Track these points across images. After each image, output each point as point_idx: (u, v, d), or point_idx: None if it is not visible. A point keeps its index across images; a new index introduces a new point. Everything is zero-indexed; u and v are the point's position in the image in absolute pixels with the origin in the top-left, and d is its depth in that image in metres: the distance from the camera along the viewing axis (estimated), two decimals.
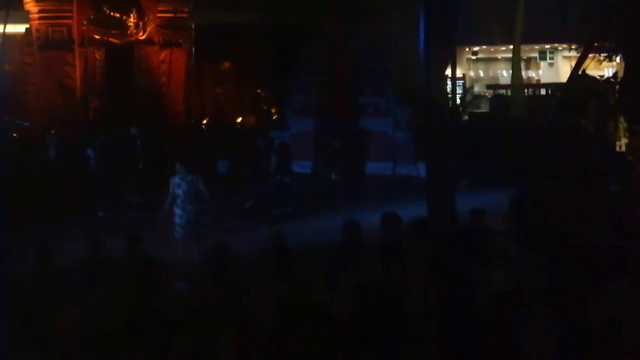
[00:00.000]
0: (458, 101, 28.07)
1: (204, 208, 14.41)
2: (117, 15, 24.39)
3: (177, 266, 12.81)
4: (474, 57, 33.41)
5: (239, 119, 28.46)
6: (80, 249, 10.16)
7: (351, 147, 21.44)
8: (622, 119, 23.38)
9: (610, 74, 26.48)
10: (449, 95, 27.47)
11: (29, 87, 24.32)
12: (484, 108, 28.86)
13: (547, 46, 32.54)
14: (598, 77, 26.83)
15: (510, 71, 28.66)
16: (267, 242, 9.35)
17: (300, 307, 8.40)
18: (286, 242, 9.65)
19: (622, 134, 23.28)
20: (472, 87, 31.43)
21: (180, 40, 25.53)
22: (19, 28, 24.14)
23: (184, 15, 25.72)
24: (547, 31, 29.12)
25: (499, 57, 33.64)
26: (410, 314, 8.38)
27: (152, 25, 24.89)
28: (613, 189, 18.49)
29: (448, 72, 28.00)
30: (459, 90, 28.99)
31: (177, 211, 13.88)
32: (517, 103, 26.56)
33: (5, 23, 20.57)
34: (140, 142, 19.75)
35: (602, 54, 25.28)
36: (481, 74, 34.33)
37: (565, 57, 32.48)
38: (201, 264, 9.41)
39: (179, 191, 13.87)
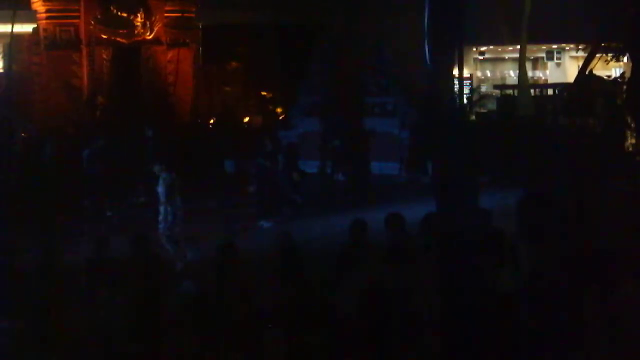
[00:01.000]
0: (465, 101, 28.04)
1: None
2: (125, 15, 24.43)
3: (183, 265, 12.85)
4: (481, 57, 33.37)
5: (246, 119, 28.48)
6: (87, 248, 10.19)
7: (357, 147, 21.46)
8: (629, 119, 23.34)
9: (618, 74, 26.43)
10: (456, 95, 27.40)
11: (36, 87, 24.35)
12: (491, 108, 28.84)
13: (555, 46, 32.49)
14: (605, 77, 26.78)
15: (517, 71, 28.67)
16: (275, 240, 9.37)
17: (308, 306, 8.42)
18: (293, 241, 9.66)
19: (629, 134, 23.23)
20: (479, 87, 31.39)
21: (187, 40, 25.56)
22: (27, 27, 24.20)
23: (192, 15, 25.74)
24: (555, 31, 29.07)
25: (506, 57, 33.59)
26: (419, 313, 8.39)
27: (160, 25, 24.92)
28: (620, 188, 18.46)
29: (455, 72, 28.02)
30: (465, 90, 28.97)
31: (165, 209, 14.16)
32: (524, 103, 26.58)
33: (12, 22, 20.61)
34: (144, 142, 19.75)
35: (609, 54, 25.24)
36: (488, 74, 34.28)
37: (572, 57, 32.42)
38: (209, 262, 9.43)
39: (165, 190, 14.15)
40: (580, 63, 27.57)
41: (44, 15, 24.04)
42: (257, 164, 18.35)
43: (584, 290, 8.92)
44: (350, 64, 23.90)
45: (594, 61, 26.00)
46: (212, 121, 27.55)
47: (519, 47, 27.69)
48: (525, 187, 13.04)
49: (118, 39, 24.46)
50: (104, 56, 24.36)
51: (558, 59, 32.92)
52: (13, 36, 21.57)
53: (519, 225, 10.96)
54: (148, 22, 24.70)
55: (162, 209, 14.23)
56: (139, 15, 24.55)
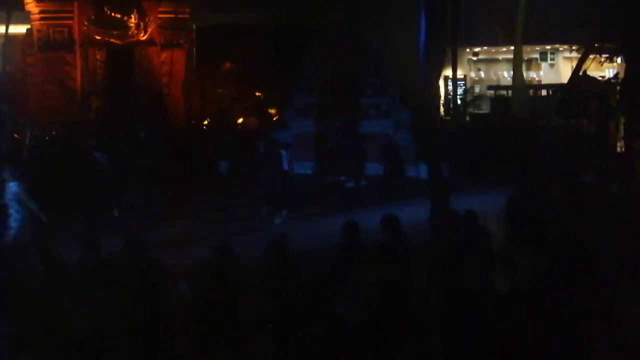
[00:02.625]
0: (459, 102, 28.16)
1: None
2: (118, 16, 24.42)
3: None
4: (475, 58, 33.40)
5: (240, 120, 28.48)
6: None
7: (351, 148, 21.54)
8: (623, 120, 23.40)
9: (611, 75, 26.48)
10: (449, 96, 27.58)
11: (30, 88, 24.33)
12: (485, 109, 28.90)
13: (548, 47, 32.51)
14: (599, 78, 26.82)
15: (512, 72, 28.71)
16: (271, 242, 9.39)
17: (305, 307, 8.43)
18: (287, 242, 9.68)
19: (622, 135, 23.29)
20: (472, 88, 31.44)
21: (181, 41, 25.53)
22: (20, 29, 24.18)
23: (185, 16, 25.72)
24: (548, 32, 29.11)
25: (500, 58, 33.62)
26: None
27: (153, 26, 24.90)
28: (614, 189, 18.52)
29: (448, 72, 28.10)
30: (459, 91, 29.08)
31: (13, 215, 14.18)
32: (518, 104, 26.66)
33: (7, 24, 20.61)
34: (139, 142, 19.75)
35: (603, 55, 25.28)
36: (482, 74, 34.32)
37: (566, 58, 32.45)
38: (205, 264, 9.44)
39: (12, 196, 14.15)
40: (574, 64, 27.60)
41: (37, 16, 24.02)
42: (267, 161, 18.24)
43: (578, 291, 8.94)
44: (345, 65, 23.89)
45: (588, 62, 26.04)
46: (206, 122, 27.55)
47: (513, 48, 27.71)
48: (517, 188, 13.06)
49: (112, 40, 24.43)
50: (98, 57, 24.34)
51: (552, 59, 32.92)
52: (7, 37, 21.56)
53: (510, 226, 11.02)
54: (142, 23, 24.68)
55: (15, 214, 14.18)
56: (132, 16, 24.53)
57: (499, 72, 33.85)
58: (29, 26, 24.36)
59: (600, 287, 8.96)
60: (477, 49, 32.45)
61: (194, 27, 26.64)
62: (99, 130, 21.47)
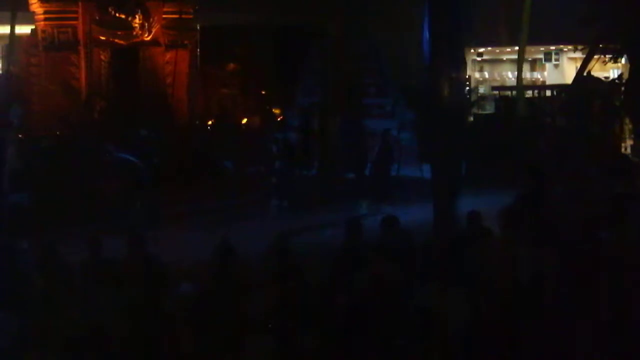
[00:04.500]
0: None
1: None
2: (123, 16, 24.42)
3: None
4: (479, 59, 33.42)
5: (244, 120, 28.51)
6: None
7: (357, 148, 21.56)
8: (627, 121, 23.40)
9: (616, 76, 26.47)
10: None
11: (34, 88, 24.36)
12: (489, 109, 28.92)
13: (553, 47, 32.53)
14: (603, 79, 26.81)
15: (516, 73, 28.72)
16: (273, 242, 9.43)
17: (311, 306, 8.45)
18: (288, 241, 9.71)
19: (627, 136, 23.29)
20: (477, 88, 31.48)
21: (185, 42, 25.53)
22: (25, 29, 24.19)
23: (190, 16, 25.71)
24: (553, 32, 29.12)
25: (505, 59, 33.64)
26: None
27: (158, 27, 24.90)
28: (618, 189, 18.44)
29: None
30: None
31: None
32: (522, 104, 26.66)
33: (12, 24, 20.62)
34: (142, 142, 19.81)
35: (607, 56, 25.28)
36: (486, 75, 34.33)
37: (570, 59, 32.47)
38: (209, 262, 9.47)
39: None
40: (579, 64, 27.60)
41: (42, 16, 24.04)
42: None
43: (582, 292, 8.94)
44: (348, 65, 23.91)
45: (592, 62, 26.03)
46: (210, 122, 27.57)
47: (517, 48, 27.72)
48: (521, 188, 13.06)
49: (116, 40, 24.44)
50: (102, 57, 24.34)
51: (556, 60, 32.95)
52: (12, 38, 21.55)
53: (515, 226, 11.00)
54: (146, 24, 24.68)
55: None
56: (137, 16, 24.53)
57: (503, 73, 33.88)
58: (33, 26, 24.39)
59: (605, 286, 8.98)
60: (481, 50, 32.47)
61: (198, 28, 26.66)
62: (107, 130, 21.55)
